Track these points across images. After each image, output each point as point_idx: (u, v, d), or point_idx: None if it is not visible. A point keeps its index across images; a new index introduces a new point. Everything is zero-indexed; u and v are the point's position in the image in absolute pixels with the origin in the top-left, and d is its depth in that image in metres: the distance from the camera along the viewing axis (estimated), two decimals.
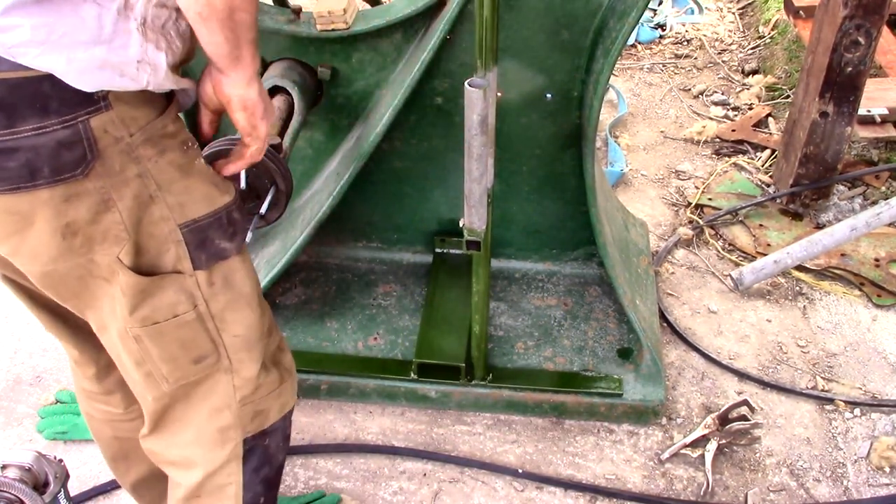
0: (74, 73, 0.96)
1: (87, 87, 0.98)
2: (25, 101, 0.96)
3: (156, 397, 1.25)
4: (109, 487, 1.88)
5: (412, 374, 1.96)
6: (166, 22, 1.03)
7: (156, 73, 1.03)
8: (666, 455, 1.90)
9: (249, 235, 1.56)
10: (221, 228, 1.19)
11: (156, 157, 1.09)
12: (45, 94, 0.96)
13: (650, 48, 3.53)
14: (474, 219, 1.60)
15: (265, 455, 1.37)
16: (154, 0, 1.01)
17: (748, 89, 3.19)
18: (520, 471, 1.88)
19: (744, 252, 2.47)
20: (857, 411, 2.00)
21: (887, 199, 2.36)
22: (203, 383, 1.26)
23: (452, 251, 2.21)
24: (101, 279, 1.13)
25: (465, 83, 1.41)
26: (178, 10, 1.03)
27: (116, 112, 1.02)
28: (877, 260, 2.38)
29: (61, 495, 1.56)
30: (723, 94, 3.20)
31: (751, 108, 3.08)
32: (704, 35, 3.58)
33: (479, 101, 1.42)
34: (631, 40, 3.51)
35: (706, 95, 3.22)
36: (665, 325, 2.23)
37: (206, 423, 1.28)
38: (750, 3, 3.75)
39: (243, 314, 1.25)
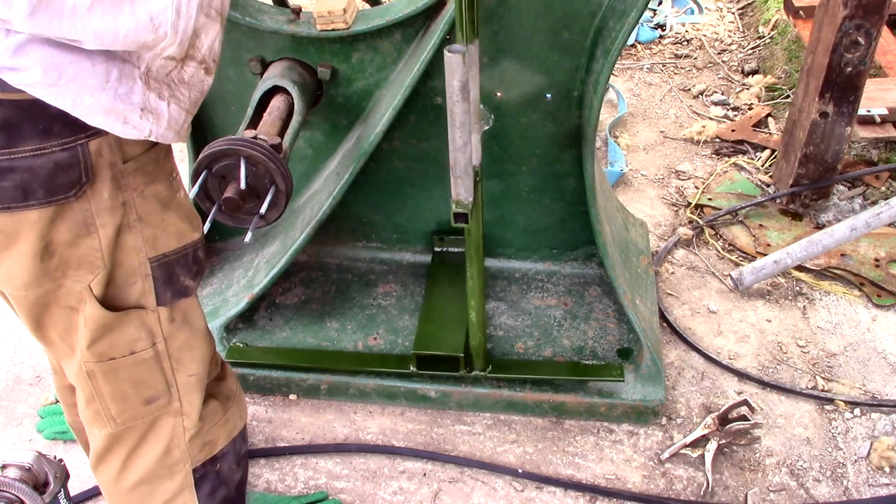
0: (79, 116, 0.95)
1: (92, 125, 0.97)
2: (30, 123, 0.95)
3: (102, 434, 1.25)
4: None
5: (411, 367, 1.96)
6: (171, 70, 1.02)
7: (158, 123, 1.02)
8: (666, 455, 1.90)
9: (249, 235, 1.56)
10: (187, 266, 1.18)
11: (143, 187, 1.08)
12: (51, 117, 0.95)
13: (650, 48, 3.53)
14: (461, 190, 1.57)
15: (218, 479, 1.37)
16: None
17: (748, 89, 3.19)
18: (519, 471, 1.88)
19: (744, 252, 2.47)
20: (857, 411, 2.00)
21: (887, 199, 2.36)
22: (152, 426, 1.25)
23: (451, 250, 2.21)
24: (68, 308, 1.11)
25: (445, 49, 1.39)
26: (183, 59, 1.02)
27: (114, 137, 1.01)
28: (877, 260, 2.38)
29: (61, 495, 1.56)
30: (723, 94, 3.20)
31: (751, 108, 3.08)
32: (704, 35, 3.58)
33: (458, 67, 1.39)
34: (631, 40, 3.51)
35: (706, 95, 3.22)
36: (665, 325, 2.23)
37: (153, 462, 1.27)
38: (750, 3, 3.75)
39: (199, 351, 1.25)
